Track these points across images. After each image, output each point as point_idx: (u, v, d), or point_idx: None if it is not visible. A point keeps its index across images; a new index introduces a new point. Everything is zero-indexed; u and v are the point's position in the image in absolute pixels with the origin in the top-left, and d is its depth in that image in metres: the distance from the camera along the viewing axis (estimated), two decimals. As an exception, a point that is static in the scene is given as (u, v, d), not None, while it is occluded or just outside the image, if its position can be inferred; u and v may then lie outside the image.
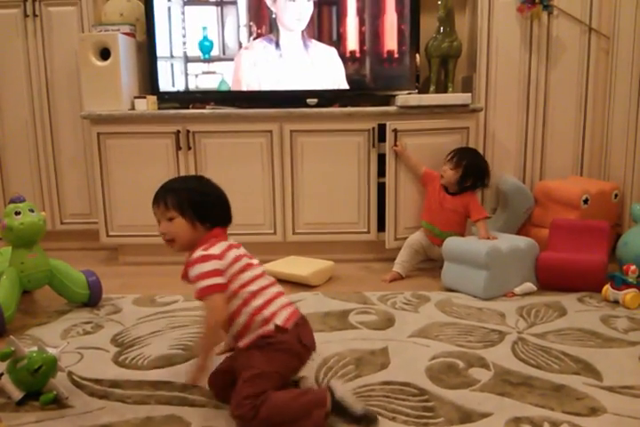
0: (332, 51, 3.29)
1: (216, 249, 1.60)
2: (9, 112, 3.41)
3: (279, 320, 1.58)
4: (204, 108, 3.21)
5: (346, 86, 3.32)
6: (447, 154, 2.89)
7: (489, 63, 3.27)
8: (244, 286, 1.60)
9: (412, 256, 2.93)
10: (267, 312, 1.59)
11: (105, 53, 3.13)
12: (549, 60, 3.27)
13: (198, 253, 1.59)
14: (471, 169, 2.83)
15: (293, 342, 1.58)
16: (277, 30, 3.26)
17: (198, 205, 1.66)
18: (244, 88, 3.31)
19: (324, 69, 3.31)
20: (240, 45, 3.30)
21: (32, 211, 2.30)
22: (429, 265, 3.00)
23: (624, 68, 3.10)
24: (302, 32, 3.27)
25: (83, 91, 3.17)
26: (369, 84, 3.35)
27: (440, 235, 2.88)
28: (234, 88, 3.32)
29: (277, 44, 3.27)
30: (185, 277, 1.64)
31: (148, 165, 3.13)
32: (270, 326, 1.57)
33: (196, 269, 1.56)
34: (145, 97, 3.18)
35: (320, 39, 3.28)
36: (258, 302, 1.59)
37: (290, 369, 1.61)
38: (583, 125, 3.33)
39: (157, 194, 1.69)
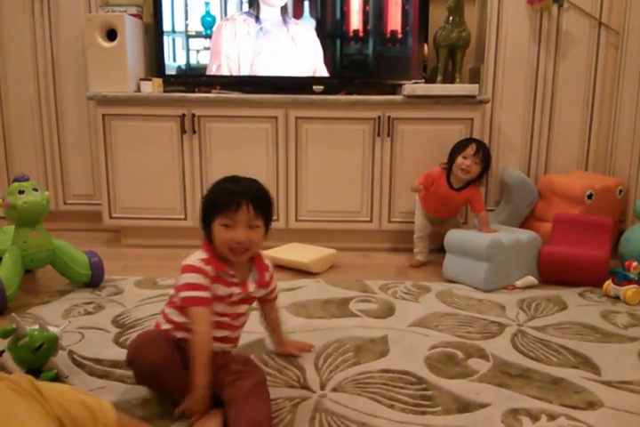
0: (312, 31, 3.29)
1: None
2: (14, 91, 3.40)
3: None
4: (209, 91, 3.20)
5: (324, 70, 3.32)
6: (461, 144, 2.81)
7: (497, 55, 3.25)
8: None
9: (427, 243, 2.97)
10: None
11: (111, 34, 3.11)
12: (558, 53, 3.25)
13: (268, 262, 1.70)
14: (489, 163, 2.82)
15: None
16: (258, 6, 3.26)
17: (271, 214, 1.61)
18: (223, 60, 3.29)
19: (304, 49, 3.31)
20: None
21: (36, 190, 2.30)
22: (431, 256, 3.00)
23: (633, 63, 3.08)
24: (282, 8, 3.26)
25: (88, 71, 3.15)
26: (375, 73, 3.33)
27: (440, 221, 2.96)
28: (212, 60, 3.30)
29: (257, 19, 3.26)
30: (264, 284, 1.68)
31: (153, 147, 3.12)
32: None
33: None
34: (151, 79, 3.16)
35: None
36: None
37: None
38: (590, 120, 3.32)
39: (238, 196, 1.50)
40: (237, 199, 1.50)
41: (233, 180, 1.59)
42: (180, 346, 1.52)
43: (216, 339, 1.55)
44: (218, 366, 1.50)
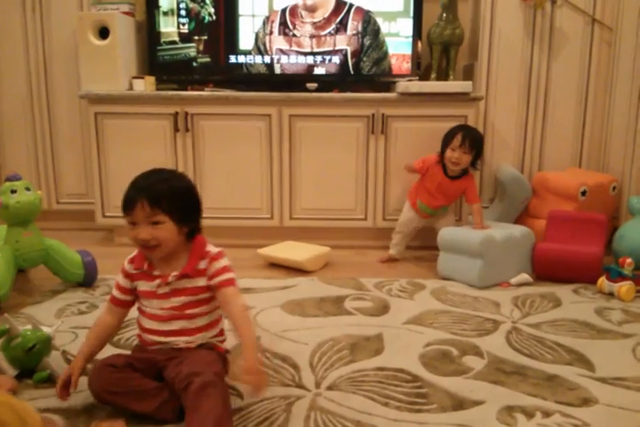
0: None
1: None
2: (6, 90, 3.38)
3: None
4: (202, 89, 3.19)
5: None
6: (449, 136, 2.81)
7: (491, 52, 3.25)
8: None
9: (405, 240, 3.00)
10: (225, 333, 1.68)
11: (104, 32, 3.10)
12: (552, 50, 3.25)
13: (214, 249, 1.58)
14: (481, 149, 2.83)
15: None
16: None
17: (186, 206, 1.56)
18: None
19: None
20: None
21: (28, 189, 2.28)
22: (426, 253, 3.00)
23: (626, 60, 3.08)
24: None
25: (81, 70, 3.14)
26: (369, 70, 3.32)
27: (432, 213, 2.94)
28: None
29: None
30: (189, 274, 1.55)
31: (146, 146, 3.11)
32: (225, 346, 1.67)
33: (224, 262, 1.56)
34: (143, 77, 3.15)
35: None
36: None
37: None
38: (583, 117, 3.32)
39: (134, 194, 1.50)
40: (131, 197, 1.50)
41: (142, 176, 1.57)
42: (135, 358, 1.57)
43: (165, 333, 1.57)
44: (173, 363, 1.50)
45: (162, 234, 1.50)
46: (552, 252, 2.62)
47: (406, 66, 3.29)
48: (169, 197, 1.50)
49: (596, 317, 2.21)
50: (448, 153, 2.79)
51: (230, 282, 1.54)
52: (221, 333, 1.66)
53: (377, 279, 2.62)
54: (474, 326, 2.11)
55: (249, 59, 3.29)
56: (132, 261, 1.61)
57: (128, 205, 1.50)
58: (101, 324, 1.63)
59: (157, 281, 1.56)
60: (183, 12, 3.25)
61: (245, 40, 3.28)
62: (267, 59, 3.29)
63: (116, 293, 1.62)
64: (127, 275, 1.61)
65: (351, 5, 3.23)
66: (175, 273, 1.54)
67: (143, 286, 1.59)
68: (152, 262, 1.58)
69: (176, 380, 1.44)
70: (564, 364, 1.82)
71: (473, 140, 2.77)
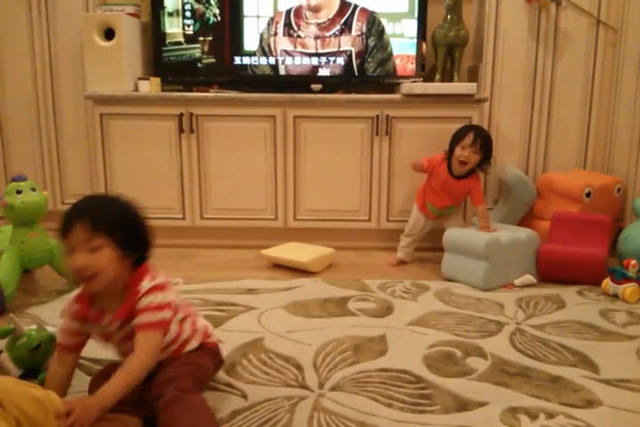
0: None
1: (163, 278, 1.44)
2: (12, 91, 3.39)
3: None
4: (207, 91, 3.19)
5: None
6: (459, 134, 2.79)
7: (495, 53, 3.24)
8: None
9: (414, 243, 2.98)
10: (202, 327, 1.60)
11: (109, 34, 3.10)
12: (556, 51, 3.25)
13: (148, 284, 1.40)
14: (490, 150, 2.80)
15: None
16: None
17: (131, 231, 1.40)
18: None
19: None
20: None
21: (33, 190, 2.29)
22: (430, 255, 3.00)
23: (631, 61, 3.08)
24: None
25: (86, 71, 3.15)
26: (374, 71, 3.32)
27: (440, 214, 2.93)
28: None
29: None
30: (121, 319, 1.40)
31: (151, 147, 3.12)
32: (213, 339, 1.62)
33: (152, 298, 1.38)
34: (148, 78, 3.16)
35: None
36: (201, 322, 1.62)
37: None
38: (588, 118, 3.31)
39: (72, 216, 1.36)
40: (69, 219, 1.36)
41: (84, 199, 1.43)
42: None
43: None
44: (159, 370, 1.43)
45: (100, 261, 1.34)
46: (556, 253, 2.62)
47: (411, 67, 3.29)
48: (112, 220, 1.37)
49: (600, 318, 2.21)
50: (457, 151, 2.77)
51: (146, 326, 1.36)
52: (206, 335, 1.59)
53: (381, 281, 2.62)
54: (477, 327, 2.11)
55: (254, 60, 3.30)
56: (77, 300, 1.46)
57: (65, 227, 1.35)
58: (55, 379, 1.47)
59: (111, 327, 1.42)
60: (188, 13, 3.25)
61: (250, 41, 3.29)
62: (271, 60, 3.30)
63: (64, 339, 1.47)
64: (75, 316, 1.46)
65: (356, 6, 3.23)
66: (117, 319, 1.40)
67: (98, 328, 1.45)
68: (102, 308, 1.43)
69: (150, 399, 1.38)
70: (568, 365, 1.81)
71: (484, 141, 2.75)
